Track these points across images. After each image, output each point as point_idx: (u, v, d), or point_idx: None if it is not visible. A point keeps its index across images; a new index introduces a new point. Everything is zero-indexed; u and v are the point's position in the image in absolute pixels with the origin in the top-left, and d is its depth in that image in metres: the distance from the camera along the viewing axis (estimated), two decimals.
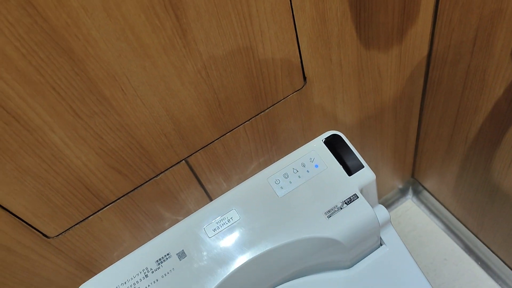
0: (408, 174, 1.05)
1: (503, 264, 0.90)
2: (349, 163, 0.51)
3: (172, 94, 0.48)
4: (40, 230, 0.51)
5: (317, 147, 0.53)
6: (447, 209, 0.98)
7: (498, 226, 0.83)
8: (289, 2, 0.49)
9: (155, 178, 0.56)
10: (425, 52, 0.71)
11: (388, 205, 1.09)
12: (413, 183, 1.07)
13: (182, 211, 0.64)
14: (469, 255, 0.97)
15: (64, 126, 0.44)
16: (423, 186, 1.03)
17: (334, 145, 0.53)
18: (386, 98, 0.74)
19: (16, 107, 0.40)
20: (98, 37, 0.40)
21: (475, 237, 0.93)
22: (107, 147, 0.49)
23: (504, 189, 0.75)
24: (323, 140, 0.54)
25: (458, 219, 0.96)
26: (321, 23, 0.54)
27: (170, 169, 0.57)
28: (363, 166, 0.51)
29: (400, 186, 1.08)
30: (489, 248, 0.91)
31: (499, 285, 0.93)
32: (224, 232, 0.49)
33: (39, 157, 0.45)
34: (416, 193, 1.08)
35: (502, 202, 0.77)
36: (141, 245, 0.57)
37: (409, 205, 1.08)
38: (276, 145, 0.66)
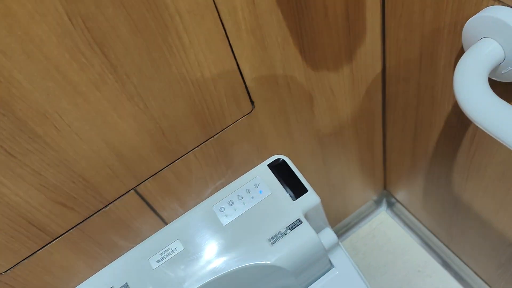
0: (381, 186, 1.05)
1: (474, 274, 0.90)
2: (294, 188, 0.51)
3: (110, 127, 0.49)
4: None
5: (262, 172, 0.53)
6: (419, 221, 0.98)
7: (466, 236, 0.83)
8: (224, 32, 0.49)
9: (104, 209, 0.56)
10: (378, 69, 0.71)
11: (363, 217, 1.09)
12: (387, 195, 1.07)
13: (138, 239, 0.64)
14: (443, 266, 0.97)
15: None
16: (395, 198, 1.03)
17: (279, 169, 0.53)
18: (344, 115, 0.75)
19: None
20: (21, 78, 0.40)
21: (447, 248, 0.93)
22: (48, 182, 0.49)
23: (465, 201, 0.75)
24: (268, 164, 0.54)
25: (430, 230, 0.96)
26: (261, 49, 0.54)
27: (118, 199, 0.57)
28: (307, 190, 0.51)
29: (375, 197, 1.07)
30: (460, 258, 0.91)
31: None
32: (168, 263, 0.49)
33: None
34: (390, 205, 1.08)
35: (465, 213, 0.77)
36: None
37: (384, 217, 1.07)
38: (231, 168, 0.66)
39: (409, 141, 0.79)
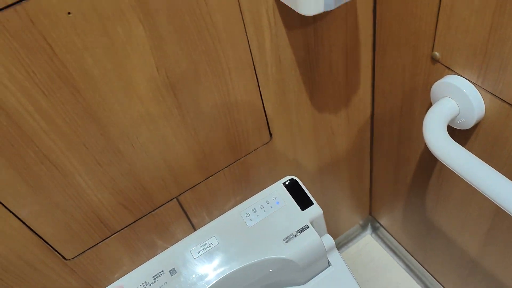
0: (367, 212, 1.21)
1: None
2: (302, 201, 0.67)
3: (168, 148, 0.65)
4: (60, 252, 0.65)
5: (278, 188, 0.69)
6: (399, 243, 1.14)
7: (436, 255, 0.99)
8: (256, 81, 0.66)
9: (152, 213, 0.71)
10: (368, 114, 0.89)
11: (351, 239, 1.25)
12: (371, 220, 1.23)
13: (172, 240, 0.78)
14: (418, 283, 1.12)
15: (88, 172, 0.59)
16: (379, 223, 1.19)
17: (292, 187, 0.69)
18: (340, 150, 0.92)
19: (56, 158, 0.55)
20: (118, 109, 0.56)
21: (422, 266, 1.09)
22: (118, 187, 0.64)
23: (436, 224, 0.91)
24: (283, 183, 0.70)
25: (407, 251, 1.12)
26: (281, 95, 0.71)
27: (164, 205, 0.72)
28: (312, 203, 0.67)
29: (361, 222, 1.23)
30: (433, 276, 1.07)
31: None
32: (206, 254, 0.64)
33: (68, 195, 0.60)
34: (374, 229, 1.24)
35: (436, 234, 0.94)
36: (137, 267, 0.71)
37: (369, 240, 1.23)
38: (249, 186, 0.82)
39: (391, 173, 0.96)
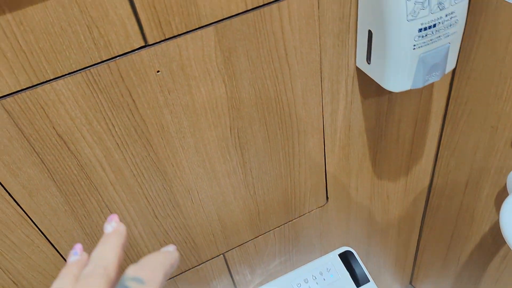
0: (407, 281, 1.15)
1: None
2: (358, 277, 0.63)
3: (225, 205, 0.62)
4: None
5: (333, 259, 0.66)
6: None
7: None
8: (323, 146, 0.64)
9: (196, 267, 0.68)
10: (426, 184, 0.85)
11: None
12: None
13: None
14: None
15: (144, 223, 0.57)
16: None
17: (347, 259, 0.65)
18: (392, 217, 0.88)
19: (116, 208, 0.54)
20: (185, 165, 0.54)
21: None
22: (169, 240, 0.62)
23: None
24: (338, 254, 0.67)
25: None
26: (345, 160, 0.69)
27: (209, 260, 0.69)
28: (369, 281, 0.63)
29: None
30: None
31: None
32: None
33: None
34: None
35: None
36: None
37: None
38: (296, 248, 0.78)
39: (443, 247, 0.91)
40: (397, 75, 0.49)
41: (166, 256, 0.31)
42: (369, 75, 0.54)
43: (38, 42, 0.37)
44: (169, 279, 0.67)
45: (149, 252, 0.61)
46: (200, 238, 0.64)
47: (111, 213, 0.53)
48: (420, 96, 0.67)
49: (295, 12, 0.47)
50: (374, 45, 0.50)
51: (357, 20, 0.52)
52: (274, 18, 0.46)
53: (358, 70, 0.57)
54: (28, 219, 0.49)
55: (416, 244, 1.00)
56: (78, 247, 0.32)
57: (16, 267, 0.53)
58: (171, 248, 0.33)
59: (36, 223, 0.50)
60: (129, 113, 0.46)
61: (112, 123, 0.46)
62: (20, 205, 0.47)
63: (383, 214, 0.85)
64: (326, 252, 0.83)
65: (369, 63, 0.53)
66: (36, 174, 0.46)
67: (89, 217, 0.53)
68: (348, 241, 0.84)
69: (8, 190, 0.45)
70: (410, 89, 0.64)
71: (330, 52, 0.53)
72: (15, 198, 0.46)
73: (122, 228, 0.31)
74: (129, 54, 0.42)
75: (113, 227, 0.31)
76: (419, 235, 0.98)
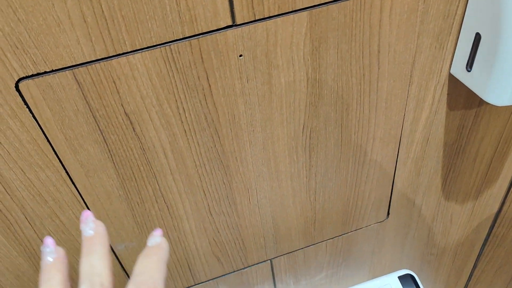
0: None
1: None
2: None
3: (282, 208, 0.58)
4: None
5: (392, 281, 0.60)
6: None
7: None
8: (396, 156, 0.58)
9: (241, 270, 0.64)
10: (495, 210, 0.77)
11: None
12: None
13: None
14: None
15: (197, 218, 0.53)
16: None
17: (408, 283, 0.59)
18: (451, 241, 0.81)
19: (172, 199, 0.50)
20: (250, 161, 0.50)
21: None
22: (219, 239, 0.58)
23: None
24: (398, 276, 0.61)
25: None
26: (415, 175, 0.63)
27: (255, 265, 0.65)
28: None
29: None
30: None
31: None
32: None
33: (169, 237, 0.54)
34: None
35: None
36: None
37: None
38: (346, 262, 0.73)
39: (504, 281, 0.83)
40: (506, 87, 0.43)
41: (160, 256, 0.29)
42: (465, 84, 0.48)
43: (122, 8, 0.34)
44: (211, 279, 0.63)
45: (195, 249, 0.57)
46: (250, 240, 0.60)
47: (165, 203, 0.50)
48: (510, 115, 0.60)
49: (398, 4, 0.41)
50: (481, 50, 0.44)
51: (462, 21, 0.46)
52: (374, 9, 0.41)
53: (451, 77, 0.51)
54: (81, 200, 0.46)
55: (469, 274, 0.93)
56: (50, 241, 0.28)
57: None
58: (158, 239, 0.30)
59: (88, 205, 0.47)
60: (202, 98, 0.42)
61: (183, 107, 0.42)
62: (76, 184, 0.44)
63: (442, 237, 0.78)
64: (375, 271, 0.77)
65: (469, 71, 0.47)
66: (96, 153, 0.42)
67: (142, 205, 0.49)
68: (401, 262, 0.78)
69: (66, 167, 0.42)
70: (501, 106, 0.57)
71: (425, 54, 0.47)
72: (71, 176, 0.43)
73: (106, 237, 0.29)
74: (214, 32, 0.37)
75: (92, 228, 0.29)
76: (474, 265, 0.90)
